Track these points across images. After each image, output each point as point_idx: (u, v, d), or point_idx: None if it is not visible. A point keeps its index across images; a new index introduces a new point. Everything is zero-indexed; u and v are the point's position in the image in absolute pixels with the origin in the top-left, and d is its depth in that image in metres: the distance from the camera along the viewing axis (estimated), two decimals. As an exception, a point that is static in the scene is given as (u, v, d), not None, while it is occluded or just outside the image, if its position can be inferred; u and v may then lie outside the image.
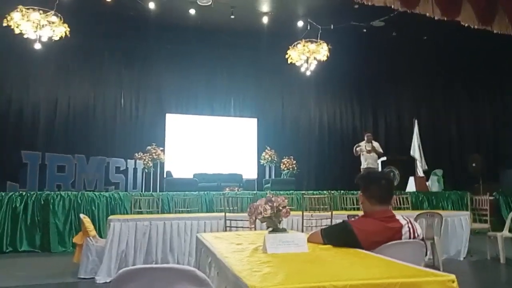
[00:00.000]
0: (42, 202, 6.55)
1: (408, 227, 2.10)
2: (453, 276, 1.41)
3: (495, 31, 6.76)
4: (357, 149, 8.89)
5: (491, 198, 7.60)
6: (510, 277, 4.98)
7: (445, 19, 6.45)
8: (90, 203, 6.71)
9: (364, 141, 8.97)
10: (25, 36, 7.18)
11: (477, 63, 12.09)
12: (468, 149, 11.91)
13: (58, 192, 6.81)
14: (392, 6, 6.12)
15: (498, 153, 11.85)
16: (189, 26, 9.86)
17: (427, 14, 6.30)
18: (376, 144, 8.94)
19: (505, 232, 5.67)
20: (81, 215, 4.99)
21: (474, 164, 10.00)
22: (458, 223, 5.90)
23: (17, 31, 7.02)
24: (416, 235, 2.11)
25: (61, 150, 9.68)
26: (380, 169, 9.48)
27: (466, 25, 6.62)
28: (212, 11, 9.17)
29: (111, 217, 5.09)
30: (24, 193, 6.65)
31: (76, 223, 6.49)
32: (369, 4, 5.99)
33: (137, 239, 4.86)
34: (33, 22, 7.09)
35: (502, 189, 9.41)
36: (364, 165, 8.85)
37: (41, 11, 7.15)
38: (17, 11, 6.97)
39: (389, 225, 2.07)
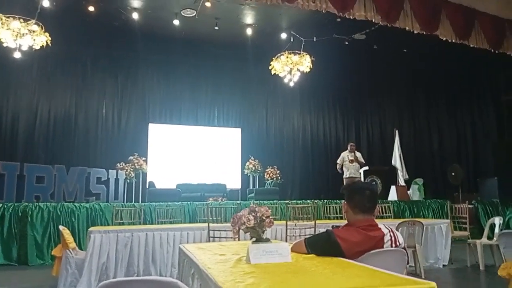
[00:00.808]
0: (20, 214, 6.36)
1: (390, 235, 2.13)
2: (433, 284, 1.44)
3: (471, 45, 7.02)
4: (338, 161, 9.06)
5: (470, 206, 7.76)
6: (490, 284, 5.07)
7: (424, 33, 6.67)
8: (70, 215, 6.55)
9: (347, 151, 9.09)
10: (4, 45, 7.05)
11: (457, 76, 12.45)
12: (448, 159, 12.18)
13: (37, 204, 6.64)
14: (373, 20, 6.30)
15: (477, 163, 12.15)
16: (174, 36, 9.88)
17: (407, 28, 6.50)
18: (358, 154, 9.07)
19: (484, 240, 5.80)
20: (61, 227, 4.87)
21: (453, 174, 10.22)
22: (439, 231, 6.00)
23: (-4, 39, 6.90)
24: (398, 243, 2.14)
25: (40, 160, 9.48)
26: (362, 178, 9.60)
27: (444, 39, 6.86)
28: (197, 22, 9.21)
29: (91, 228, 4.99)
30: (1, 205, 6.44)
31: (55, 235, 6.32)
32: (351, 17, 6.17)
33: (118, 251, 4.76)
34: (13, 31, 6.97)
35: (481, 198, 9.64)
36: (346, 174, 8.96)
37: (21, 20, 7.04)
38: (-4, 19, 6.85)
39: (371, 234, 2.09)
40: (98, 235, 4.70)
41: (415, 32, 6.58)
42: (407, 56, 11.14)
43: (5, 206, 6.42)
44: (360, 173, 9.44)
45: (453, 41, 6.88)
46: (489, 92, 12.33)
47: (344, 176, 9.00)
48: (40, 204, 6.59)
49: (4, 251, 6.21)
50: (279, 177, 10.76)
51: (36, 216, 6.40)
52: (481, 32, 7.03)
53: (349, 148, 9.12)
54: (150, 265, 4.90)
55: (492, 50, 7.24)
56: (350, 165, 8.91)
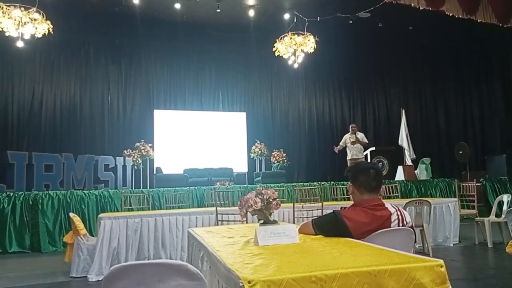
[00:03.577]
0: (31, 202, 6.47)
1: (397, 215, 2.13)
2: (441, 261, 1.44)
3: (478, 20, 6.87)
4: (340, 143, 9.06)
5: (478, 184, 7.73)
6: (498, 261, 5.09)
7: (430, 9, 6.53)
8: (80, 202, 6.65)
9: (349, 133, 9.08)
10: (6, 34, 7.03)
11: (464, 53, 12.24)
12: (455, 138, 12.09)
13: (47, 192, 6.73)
14: (378, -3, 6.17)
15: (484, 141, 12.05)
16: (175, 21, 9.77)
17: (412, 5, 6.37)
18: (360, 135, 8.98)
19: (492, 217, 5.80)
20: (71, 214, 4.94)
21: (460, 152, 10.16)
22: (447, 210, 6.00)
23: (-3, 29, 6.88)
24: (405, 222, 2.14)
25: (48, 149, 9.56)
26: (369, 159, 9.58)
27: (450, 14, 6.71)
28: (198, 5, 9.08)
29: (101, 215, 5.05)
30: (11, 194, 6.55)
31: (66, 222, 6.44)
32: (355, -5, 6.04)
33: (129, 236, 4.84)
34: (15, 20, 6.93)
35: (489, 176, 9.59)
36: (349, 156, 8.97)
37: (22, 8, 6.99)
38: (-3, 8, 6.81)
39: (378, 213, 2.09)
40: (108, 221, 4.76)
41: (421, 8, 6.45)
42: (413, 34, 10.94)
43: (16, 195, 6.53)
44: (365, 154, 9.42)
45: (460, 16, 6.73)
46: (496, 68, 12.13)
47: (347, 157, 9.01)
48: (50, 192, 6.68)
49: (17, 239, 6.34)
50: (286, 160, 10.77)
51: (46, 204, 6.50)
52: (489, 6, 6.86)
53: (350, 129, 9.10)
54: (160, 250, 4.97)
55: (500, 25, 7.08)
56: (352, 146, 8.91)
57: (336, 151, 9.13)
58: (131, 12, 9.24)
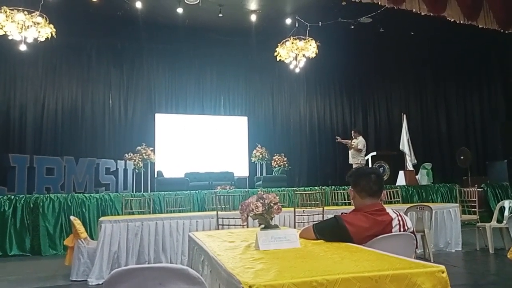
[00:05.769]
0: (32, 205, 6.46)
1: (398, 220, 2.12)
2: (442, 267, 1.44)
3: (480, 26, 6.89)
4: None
5: (479, 190, 7.71)
6: (499, 266, 5.07)
7: (431, 14, 6.55)
8: (81, 205, 6.65)
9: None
10: (9, 38, 7.06)
11: (465, 57, 12.25)
12: (457, 143, 12.08)
13: (48, 195, 6.73)
14: (379, 3, 6.19)
15: (486, 147, 12.03)
16: (177, 25, 9.81)
17: (414, 10, 6.39)
18: (356, 140, 8.81)
19: (493, 223, 5.78)
20: (72, 217, 4.94)
21: (462, 157, 10.14)
22: (448, 215, 5.99)
23: (1, 32, 6.90)
24: (406, 228, 2.13)
25: (49, 152, 9.58)
26: (370, 164, 9.57)
27: (452, 20, 6.73)
28: (200, 9, 9.12)
29: (102, 218, 5.05)
30: (12, 197, 6.55)
31: (66, 226, 6.43)
32: (357, 0, 6.07)
33: (129, 240, 4.83)
34: (18, 23, 6.97)
35: (490, 181, 9.56)
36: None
37: (25, 12, 7.03)
38: (1, 12, 6.84)
39: (379, 218, 2.09)
40: (109, 224, 4.76)
41: (422, 13, 6.46)
42: (414, 39, 10.97)
43: (17, 198, 6.53)
44: (366, 159, 9.37)
45: (461, 22, 6.75)
46: (497, 73, 12.12)
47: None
48: (51, 195, 6.68)
49: (18, 242, 6.34)
50: (287, 164, 10.75)
51: (47, 207, 6.50)
52: (490, 12, 6.88)
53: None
54: (160, 253, 4.96)
55: (502, 31, 7.10)
56: (349, 152, 8.86)
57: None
58: (134, 16, 9.28)
